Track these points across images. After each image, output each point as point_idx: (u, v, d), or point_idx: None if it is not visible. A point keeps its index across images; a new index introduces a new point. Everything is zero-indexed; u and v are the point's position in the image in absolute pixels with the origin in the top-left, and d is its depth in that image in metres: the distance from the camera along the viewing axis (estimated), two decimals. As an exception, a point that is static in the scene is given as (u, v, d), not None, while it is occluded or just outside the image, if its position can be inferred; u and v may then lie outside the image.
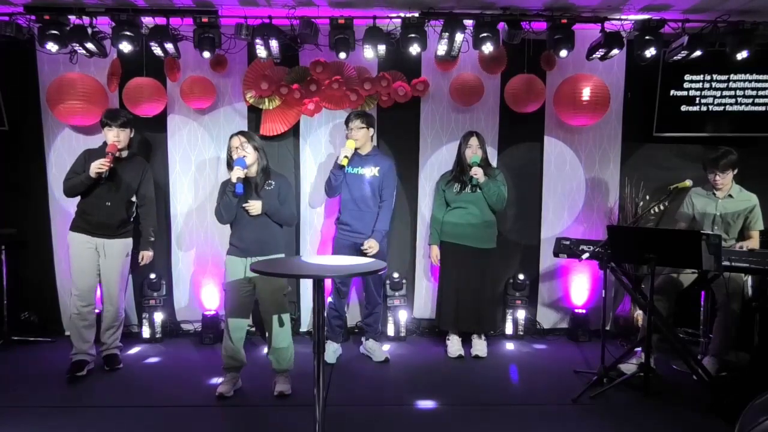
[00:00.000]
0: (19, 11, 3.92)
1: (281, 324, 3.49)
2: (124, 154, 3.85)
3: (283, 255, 3.59)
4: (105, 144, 3.79)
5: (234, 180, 3.36)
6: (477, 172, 4.05)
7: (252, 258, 3.43)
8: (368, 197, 4.10)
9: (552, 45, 4.00)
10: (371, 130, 4.13)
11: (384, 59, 4.28)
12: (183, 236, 4.69)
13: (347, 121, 4.11)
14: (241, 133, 3.55)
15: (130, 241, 3.95)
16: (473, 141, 4.16)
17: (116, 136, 3.73)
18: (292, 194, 3.69)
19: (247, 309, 3.59)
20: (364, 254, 4.00)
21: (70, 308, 3.93)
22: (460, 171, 4.24)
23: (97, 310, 3.97)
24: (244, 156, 3.43)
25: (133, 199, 3.94)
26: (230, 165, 3.49)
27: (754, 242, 3.87)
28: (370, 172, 4.10)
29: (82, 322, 3.81)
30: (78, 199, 3.82)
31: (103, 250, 3.82)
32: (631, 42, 4.12)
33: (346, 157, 3.94)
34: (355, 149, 4.05)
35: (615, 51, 4.02)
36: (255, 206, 3.43)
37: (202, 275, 4.71)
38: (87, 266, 3.80)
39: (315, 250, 4.71)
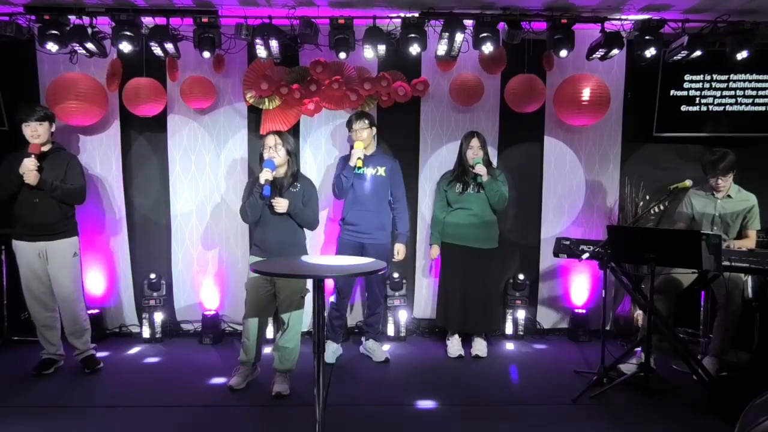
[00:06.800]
0: (19, 11, 3.92)
1: (293, 324, 3.51)
2: (46, 148, 3.73)
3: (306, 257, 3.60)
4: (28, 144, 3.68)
5: (261, 181, 3.41)
6: (481, 170, 4.07)
7: (274, 258, 3.46)
8: (373, 197, 4.10)
9: (552, 45, 4.00)
10: (374, 129, 4.14)
11: (384, 59, 4.28)
12: (183, 236, 4.69)
13: (350, 124, 4.11)
14: (277, 133, 3.59)
15: (75, 239, 3.83)
16: (474, 142, 4.16)
17: (33, 131, 3.63)
18: (316, 198, 3.70)
19: (267, 308, 3.60)
20: (368, 254, 4.00)
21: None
22: (461, 171, 4.24)
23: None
24: (274, 157, 3.47)
25: None
26: (261, 161, 3.54)
27: (750, 241, 3.87)
28: (375, 171, 4.10)
29: (42, 327, 3.79)
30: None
31: (45, 254, 3.71)
32: (631, 42, 4.12)
33: (359, 159, 3.94)
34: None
35: (615, 51, 4.02)
36: (282, 203, 3.46)
37: (202, 275, 4.71)
38: (34, 273, 3.72)
39: (316, 250, 4.70)
